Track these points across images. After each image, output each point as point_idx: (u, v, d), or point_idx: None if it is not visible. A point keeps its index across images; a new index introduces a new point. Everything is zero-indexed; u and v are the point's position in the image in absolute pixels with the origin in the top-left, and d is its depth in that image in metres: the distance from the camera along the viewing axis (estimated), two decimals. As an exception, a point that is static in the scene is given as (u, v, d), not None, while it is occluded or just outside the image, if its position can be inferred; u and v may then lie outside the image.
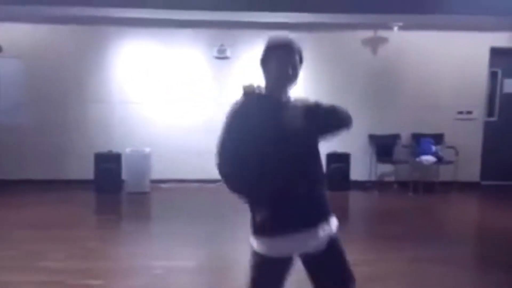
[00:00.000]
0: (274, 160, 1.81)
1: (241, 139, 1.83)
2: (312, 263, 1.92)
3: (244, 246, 2.05)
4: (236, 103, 1.91)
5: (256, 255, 1.88)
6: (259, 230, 1.86)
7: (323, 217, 1.91)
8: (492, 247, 4.38)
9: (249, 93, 1.92)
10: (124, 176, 6.20)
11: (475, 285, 3.57)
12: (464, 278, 3.61)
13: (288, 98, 1.96)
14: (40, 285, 3.13)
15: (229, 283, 3.30)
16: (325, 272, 1.94)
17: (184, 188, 6.43)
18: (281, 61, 1.90)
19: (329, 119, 1.95)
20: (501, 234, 4.77)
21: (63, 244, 4.03)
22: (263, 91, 1.92)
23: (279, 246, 1.84)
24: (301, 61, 1.96)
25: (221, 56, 6.62)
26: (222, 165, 1.85)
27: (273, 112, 1.86)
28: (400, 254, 4.02)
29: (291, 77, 1.92)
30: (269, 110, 1.86)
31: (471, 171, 6.95)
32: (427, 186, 6.55)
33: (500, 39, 6.77)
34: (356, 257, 4.01)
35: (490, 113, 7.20)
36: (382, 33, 6.66)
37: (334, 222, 1.96)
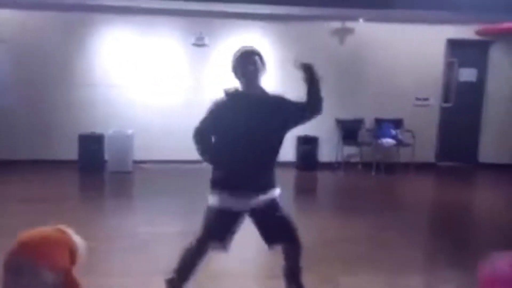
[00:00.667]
0: (236, 140, 2.52)
1: (217, 118, 2.58)
2: (256, 218, 2.63)
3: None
4: (218, 99, 2.60)
5: (210, 208, 2.58)
6: (214, 185, 2.58)
7: (266, 187, 2.60)
8: (442, 217, 5.04)
9: (229, 93, 2.59)
10: (106, 156, 6.58)
11: (425, 246, 4.19)
12: (415, 240, 4.22)
13: (262, 93, 2.62)
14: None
15: None
16: (265, 224, 2.64)
17: (165, 168, 6.84)
18: (245, 62, 2.53)
19: (299, 115, 2.65)
20: (451, 207, 5.43)
21: (52, 216, 4.33)
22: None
23: (227, 201, 2.53)
24: (262, 62, 2.59)
25: (200, 43, 7.01)
26: (199, 130, 2.59)
27: (242, 104, 2.55)
28: (363, 221, 4.62)
29: (254, 72, 2.53)
30: (240, 103, 2.57)
31: (427, 153, 7.63)
32: (388, 167, 7.18)
33: (457, 32, 7.39)
34: (325, 223, 4.62)
35: (446, 99, 7.86)
36: (349, 24, 7.18)
37: (277, 191, 2.65)
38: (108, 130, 6.61)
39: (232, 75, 2.62)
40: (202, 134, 2.60)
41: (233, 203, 2.53)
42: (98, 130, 6.67)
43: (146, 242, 3.79)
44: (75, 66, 6.87)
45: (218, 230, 2.58)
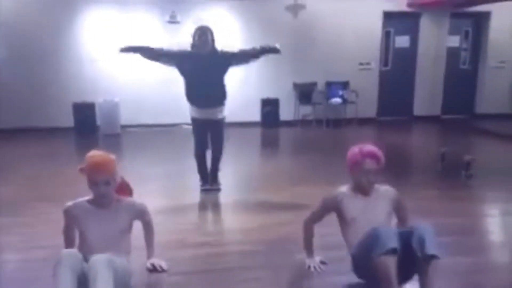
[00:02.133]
0: (192, 77, 4.16)
1: (179, 60, 4.19)
2: (210, 126, 4.32)
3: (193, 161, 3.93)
4: (184, 51, 4.19)
5: (192, 118, 4.33)
6: (189, 102, 4.25)
7: (217, 104, 4.24)
8: (386, 160, 6.32)
9: (189, 50, 4.18)
10: (98, 121, 7.66)
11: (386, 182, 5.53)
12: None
13: (210, 52, 4.14)
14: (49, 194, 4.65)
15: (190, 181, 4.96)
16: (213, 132, 4.37)
17: (147, 130, 7.98)
18: (201, 38, 4.05)
19: (242, 59, 4.29)
20: (389, 152, 6.83)
21: (59, 168, 5.35)
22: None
23: (197, 113, 4.23)
24: (212, 37, 4.13)
25: (173, 20, 8.06)
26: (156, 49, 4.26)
27: (197, 58, 4.10)
28: (312, 159, 5.96)
29: (204, 41, 4.07)
30: (196, 58, 4.11)
31: (370, 109, 9.07)
32: (337, 122, 8.59)
33: (391, 5, 8.71)
34: (283, 161, 5.95)
35: (385, 63, 9.27)
36: (300, 1, 8.36)
37: (225, 109, 4.34)
38: (97, 99, 7.66)
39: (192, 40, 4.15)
40: (152, 50, 4.21)
41: (201, 114, 4.26)
42: (88, 99, 7.72)
43: (136, 183, 4.94)
44: (64, 43, 7.81)
45: (198, 133, 4.35)
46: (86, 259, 2.19)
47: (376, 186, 2.68)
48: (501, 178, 5.00)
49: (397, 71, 9.27)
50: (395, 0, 8.64)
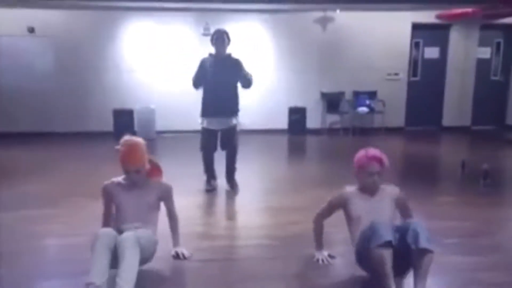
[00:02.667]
0: (211, 81, 4.51)
1: (201, 69, 4.58)
2: (223, 134, 4.70)
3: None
4: (203, 58, 4.62)
5: (202, 128, 4.66)
6: (203, 113, 4.62)
7: (232, 114, 4.61)
8: (411, 168, 6.50)
9: (208, 55, 4.61)
10: (135, 127, 8.18)
11: (406, 189, 5.70)
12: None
13: (227, 57, 4.57)
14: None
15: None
16: (226, 137, 4.73)
17: (180, 136, 8.42)
18: (218, 39, 4.44)
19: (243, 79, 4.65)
20: (418, 160, 6.93)
21: (98, 170, 5.88)
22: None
23: (209, 124, 4.57)
24: (228, 39, 4.54)
25: (206, 33, 8.50)
26: (193, 80, 4.65)
27: (215, 62, 4.51)
28: (339, 169, 6.15)
29: (223, 46, 4.47)
30: (214, 61, 4.53)
31: (398, 119, 9.19)
32: (363, 131, 8.76)
33: (420, 17, 8.84)
34: (310, 167, 6.21)
35: (414, 74, 9.37)
36: (329, 14, 8.65)
37: (237, 117, 4.70)
38: (135, 106, 8.19)
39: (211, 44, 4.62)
40: (195, 83, 4.64)
41: (213, 124, 4.65)
42: (127, 106, 8.26)
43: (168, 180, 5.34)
44: (106, 54, 8.42)
45: (207, 140, 4.73)
46: (120, 231, 2.61)
47: (382, 186, 2.91)
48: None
49: (426, 82, 9.34)
50: (424, 12, 8.76)
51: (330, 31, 8.77)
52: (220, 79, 4.55)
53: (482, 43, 9.21)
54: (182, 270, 3.00)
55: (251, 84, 4.68)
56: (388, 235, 2.46)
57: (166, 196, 3.01)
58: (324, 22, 8.72)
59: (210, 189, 4.83)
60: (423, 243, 2.40)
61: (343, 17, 8.64)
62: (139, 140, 2.86)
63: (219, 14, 8.44)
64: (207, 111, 4.66)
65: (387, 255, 2.44)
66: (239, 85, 4.72)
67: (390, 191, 2.92)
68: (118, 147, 2.80)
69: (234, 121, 4.74)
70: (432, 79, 9.35)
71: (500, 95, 9.50)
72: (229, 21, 8.45)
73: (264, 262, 3.13)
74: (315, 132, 8.84)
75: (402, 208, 2.93)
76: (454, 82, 9.31)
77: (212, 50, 4.67)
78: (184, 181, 5.08)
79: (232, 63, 4.60)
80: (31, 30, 8.12)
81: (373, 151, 2.89)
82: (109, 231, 2.57)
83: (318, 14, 8.66)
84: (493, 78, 9.52)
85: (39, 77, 8.27)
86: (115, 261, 2.44)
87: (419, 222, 2.55)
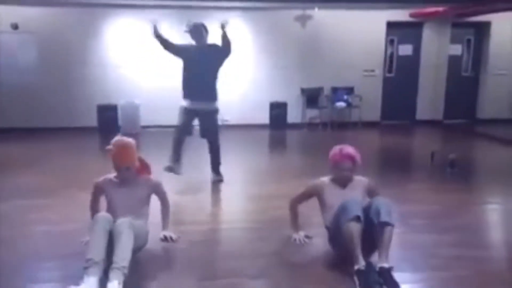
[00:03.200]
0: (192, 68, 4.76)
1: (181, 51, 4.93)
2: (200, 117, 4.92)
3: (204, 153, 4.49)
4: (186, 44, 4.91)
5: (182, 108, 4.86)
6: (184, 95, 4.83)
7: (211, 98, 4.84)
8: (385, 159, 6.88)
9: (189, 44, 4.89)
10: (120, 122, 8.35)
11: (379, 177, 5.84)
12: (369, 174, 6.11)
13: (206, 45, 4.84)
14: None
15: (202, 173, 5.54)
16: (203, 124, 4.99)
17: (165, 131, 8.58)
18: (196, 32, 4.75)
19: (223, 53, 4.83)
20: (393, 152, 7.31)
21: (85, 162, 6.08)
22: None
23: (190, 104, 4.78)
24: (206, 30, 4.84)
25: (188, 30, 8.70)
26: (165, 39, 5.01)
27: (197, 51, 4.78)
28: (317, 161, 6.49)
29: (202, 37, 4.75)
30: (196, 50, 4.81)
31: (374, 113, 9.57)
32: (341, 125, 9.12)
33: (394, 15, 9.21)
34: (290, 159, 6.49)
35: (389, 70, 9.76)
36: (308, 12, 8.95)
37: (216, 103, 4.91)
38: (119, 101, 8.36)
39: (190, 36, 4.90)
40: (163, 40, 4.97)
41: (193, 105, 4.85)
42: (111, 101, 8.43)
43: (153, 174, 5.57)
44: (90, 50, 8.56)
45: (184, 120, 4.88)
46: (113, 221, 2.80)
47: (353, 177, 3.19)
48: (488, 176, 5.51)
49: (401, 78, 9.74)
50: (399, 11, 9.13)
51: (309, 29, 9.07)
52: (201, 67, 4.81)
53: (453, 40, 9.64)
54: (170, 251, 3.25)
55: (230, 44, 4.76)
56: (357, 211, 2.76)
57: (157, 190, 3.26)
58: (303, 20, 9.02)
59: (170, 167, 4.90)
60: (384, 217, 2.71)
61: (321, 15, 8.95)
62: (130, 140, 3.11)
63: (201, 11, 8.64)
64: (187, 93, 4.89)
65: (355, 227, 2.73)
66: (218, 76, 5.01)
67: (359, 181, 3.19)
68: (109, 147, 3.03)
69: (214, 105, 4.94)
70: (406, 75, 9.75)
71: (471, 90, 9.97)
72: (210, 17, 8.63)
73: (246, 242, 3.41)
74: (296, 126, 9.15)
75: (373, 194, 3.21)
76: (427, 78, 9.72)
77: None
78: (167, 174, 5.32)
79: (212, 50, 4.85)
80: (15, 26, 8.19)
81: (347, 149, 3.15)
82: (106, 215, 2.80)
83: (298, 12, 8.95)
84: (464, 74, 9.98)
85: (24, 73, 8.37)
86: (110, 248, 2.64)
87: (382, 199, 2.86)
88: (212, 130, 5.00)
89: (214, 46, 4.88)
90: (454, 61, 9.77)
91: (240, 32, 8.85)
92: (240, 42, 8.85)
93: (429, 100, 9.80)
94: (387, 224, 2.72)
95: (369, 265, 2.70)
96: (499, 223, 4.16)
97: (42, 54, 8.41)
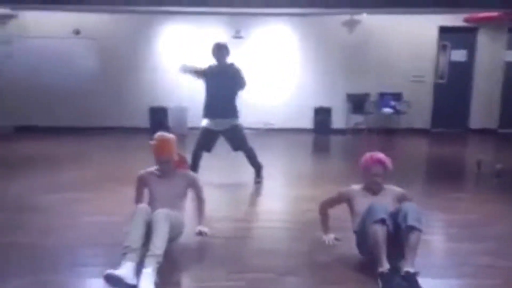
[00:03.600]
0: (213, 87, 4.95)
1: (206, 74, 5.08)
2: (225, 135, 5.07)
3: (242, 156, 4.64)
4: (209, 65, 5.06)
5: (203, 128, 5.00)
6: (204, 115, 4.99)
7: (230, 115, 4.95)
8: (432, 166, 6.71)
9: (211, 64, 5.05)
10: (170, 123, 8.73)
11: (423, 185, 5.66)
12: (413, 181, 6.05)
13: (228, 66, 5.00)
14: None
15: (241, 173, 5.70)
16: (230, 139, 5.11)
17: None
18: (216, 49, 4.88)
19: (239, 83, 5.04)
20: (440, 160, 7.09)
21: (136, 161, 6.44)
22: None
23: (210, 124, 4.92)
24: (227, 51, 4.98)
25: (237, 36, 8.98)
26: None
27: (217, 70, 4.96)
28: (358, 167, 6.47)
29: (223, 57, 4.90)
30: (216, 69, 4.98)
31: (423, 120, 9.33)
32: (388, 131, 8.97)
33: (447, 20, 8.96)
34: (333, 165, 6.51)
35: (441, 76, 9.49)
36: (356, 17, 8.91)
37: (237, 119, 5.04)
38: (169, 104, 8.75)
39: (211, 56, 5.02)
40: (199, 74, 5.13)
41: (214, 125, 5.01)
42: (160, 104, 8.84)
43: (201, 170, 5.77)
44: (143, 56, 9.03)
45: (205, 140, 5.07)
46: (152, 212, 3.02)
47: (386, 186, 3.19)
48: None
49: (453, 84, 9.44)
50: (452, 16, 8.87)
51: (357, 34, 9.04)
52: (221, 85, 4.97)
53: (510, 46, 9.22)
54: (204, 245, 3.42)
55: (245, 86, 5.05)
56: (382, 214, 2.79)
57: (193, 184, 3.45)
58: (351, 25, 9.00)
59: None
60: (411, 221, 2.72)
61: (370, 20, 8.88)
62: (170, 135, 3.33)
63: (250, 17, 8.88)
64: (208, 112, 5.05)
65: (380, 230, 2.76)
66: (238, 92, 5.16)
67: (392, 190, 3.19)
68: (152, 141, 3.26)
69: (234, 121, 5.06)
70: (459, 82, 9.43)
71: (529, 98, 9.47)
72: (258, 25, 8.88)
73: (277, 241, 3.52)
74: (340, 132, 9.12)
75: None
76: (481, 85, 9.36)
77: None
78: (212, 172, 5.59)
79: (232, 71, 4.99)
80: (77, 32, 8.81)
81: (378, 155, 3.16)
82: (146, 206, 3.03)
83: (346, 17, 8.94)
84: (522, 81, 9.50)
85: (82, 76, 8.97)
86: (148, 238, 2.84)
87: (410, 204, 2.87)
88: (240, 144, 5.14)
89: (235, 68, 5.03)
90: (510, 67, 9.34)
91: (287, 38, 8.99)
92: (287, 47, 9.02)
93: (484, 108, 9.42)
94: (414, 228, 2.73)
95: (393, 268, 2.72)
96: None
97: (100, 58, 8.97)
